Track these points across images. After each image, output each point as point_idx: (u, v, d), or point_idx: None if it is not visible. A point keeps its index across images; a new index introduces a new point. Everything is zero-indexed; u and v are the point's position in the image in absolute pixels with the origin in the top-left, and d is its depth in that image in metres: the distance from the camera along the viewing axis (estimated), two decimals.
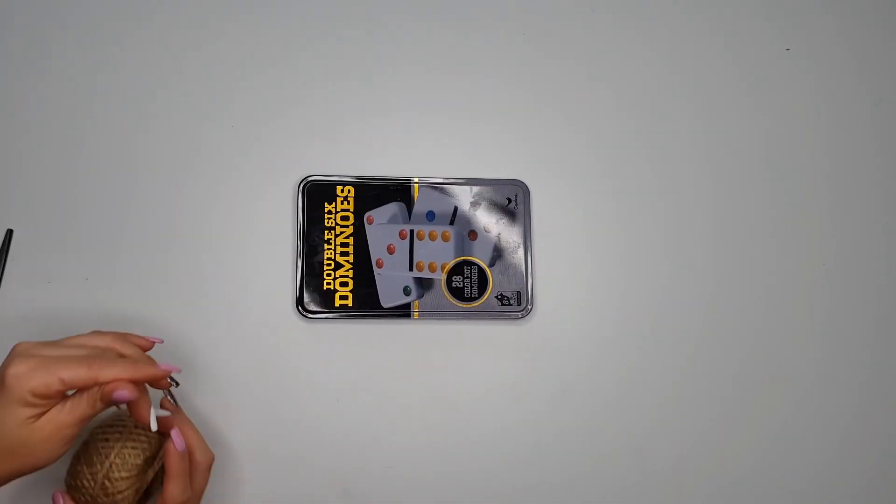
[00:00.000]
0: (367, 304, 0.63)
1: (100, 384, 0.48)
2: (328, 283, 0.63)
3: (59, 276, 0.62)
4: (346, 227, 0.64)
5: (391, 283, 0.64)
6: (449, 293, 0.64)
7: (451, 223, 0.64)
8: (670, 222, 0.67)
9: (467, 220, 0.65)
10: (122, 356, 0.50)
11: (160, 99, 0.65)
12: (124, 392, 0.48)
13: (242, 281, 0.63)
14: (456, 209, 0.64)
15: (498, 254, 0.64)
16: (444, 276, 0.64)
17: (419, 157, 0.66)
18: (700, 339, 0.66)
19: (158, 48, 0.65)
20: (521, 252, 0.64)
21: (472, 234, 0.64)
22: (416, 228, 0.64)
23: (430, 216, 0.64)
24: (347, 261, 0.64)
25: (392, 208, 0.64)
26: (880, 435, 0.66)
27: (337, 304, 0.63)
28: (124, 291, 0.62)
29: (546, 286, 0.65)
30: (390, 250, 0.64)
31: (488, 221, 0.65)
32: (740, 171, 0.67)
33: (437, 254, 0.64)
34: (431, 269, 0.64)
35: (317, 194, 0.64)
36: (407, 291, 0.64)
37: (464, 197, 0.65)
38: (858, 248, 0.67)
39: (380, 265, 0.64)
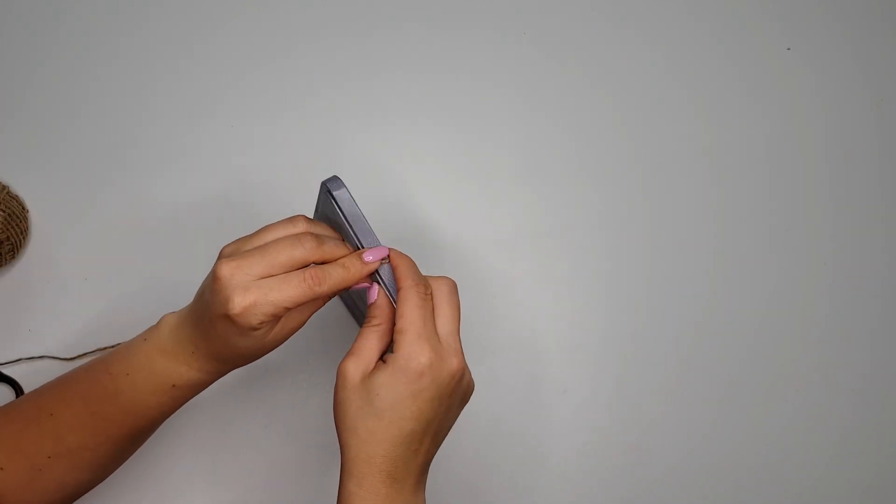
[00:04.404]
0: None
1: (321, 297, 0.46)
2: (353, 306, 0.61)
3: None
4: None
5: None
6: None
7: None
8: (670, 222, 0.67)
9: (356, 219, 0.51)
10: (319, 242, 0.47)
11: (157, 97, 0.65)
12: (372, 293, 0.48)
13: None
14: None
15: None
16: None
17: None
18: (700, 339, 0.66)
19: (156, 47, 0.65)
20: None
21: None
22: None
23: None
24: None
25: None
26: (881, 435, 0.66)
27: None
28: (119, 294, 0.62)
29: (546, 286, 0.65)
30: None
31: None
32: (741, 171, 0.67)
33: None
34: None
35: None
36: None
37: (328, 222, 0.52)
38: (859, 248, 0.67)
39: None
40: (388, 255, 0.48)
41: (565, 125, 0.67)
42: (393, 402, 0.45)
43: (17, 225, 0.60)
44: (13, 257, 0.61)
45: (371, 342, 0.46)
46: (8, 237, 0.59)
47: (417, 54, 0.66)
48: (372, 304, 0.47)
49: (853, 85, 0.69)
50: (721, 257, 0.67)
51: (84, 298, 0.62)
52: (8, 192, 0.61)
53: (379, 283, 0.48)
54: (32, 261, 0.63)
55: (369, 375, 0.45)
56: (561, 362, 0.65)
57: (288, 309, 0.45)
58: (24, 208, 0.62)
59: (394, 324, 0.46)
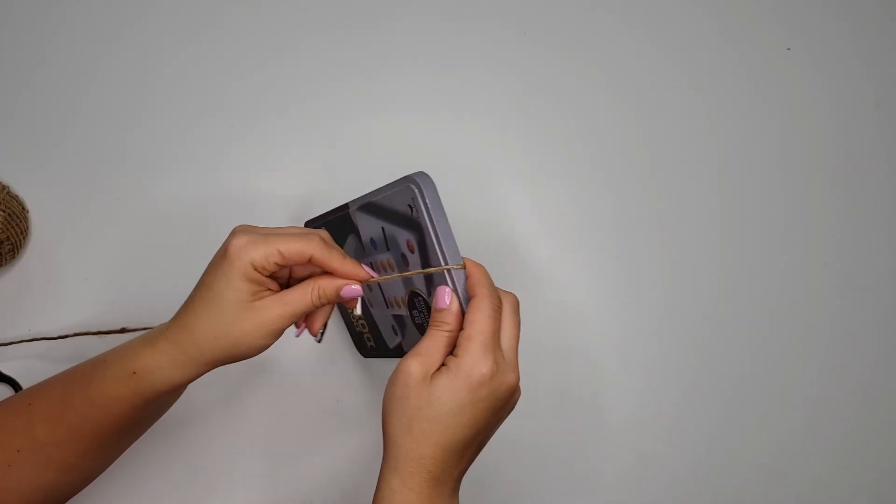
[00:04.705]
0: (380, 345, 0.59)
1: (313, 266, 0.48)
2: (356, 327, 0.62)
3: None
4: None
5: (383, 322, 0.57)
6: (418, 331, 0.54)
7: (388, 248, 0.52)
8: (670, 222, 0.67)
9: (395, 242, 0.51)
10: (328, 245, 0.49)
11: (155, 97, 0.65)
12: (358, 288, 0.49)
13: None
14: (384, 230, 0.52)
15: (429, 279, 0.50)
16: (408, 312, 0.54)
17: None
18: (700, 339, 0.66)
19: (157, 47, 0.65)
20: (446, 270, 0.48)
21: (404, 258, 0.51)
22: (372, 261, 0.54)
23: (373, 244, 0.54)
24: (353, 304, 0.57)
25: (351, 243, 0.56)
26: (883, 436, 0.66)
27: (368, 347, 0.61)
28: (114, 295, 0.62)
29: (549, 290, 0.65)
30: (369, 287, 0.55)
31: (408, 237, 0.50)
32: (741, 171, 0.67)
33: (395, 287, 0.54)
34: (398, 304, 0.55)
35: None
36: (395, 331, 0.57)
37: (384, 213, 0.51)
38: (860, 248, 0.67)
39: (371, 304, 0.58)
40: (464, 263, 0.48)
41: (565, 124, 0.67)
42: (453, 407, 0.46)
43: (17, 225, 0.60)
44: (13, 257, 0.61)
45: (438, 345, 0.47)
46: (8, 237, 0.60)
47: (417, 54, 0.66)
48: (444, 308, 0.48)
49: (853, 85, 0.69)
50: (720, 257, 0.67)
51: (84, 298, 0.62)
52: (8, 192, 0.61)
53: (453, 289, 0.48)
54: (32, 261, 0.63)
55: (432, 377, 0.46)
56: (561, 363, 0.65)
57: (283, 255, 0.46)
58: (24, 208, 0.62)
59: (460, 330, 0.47)
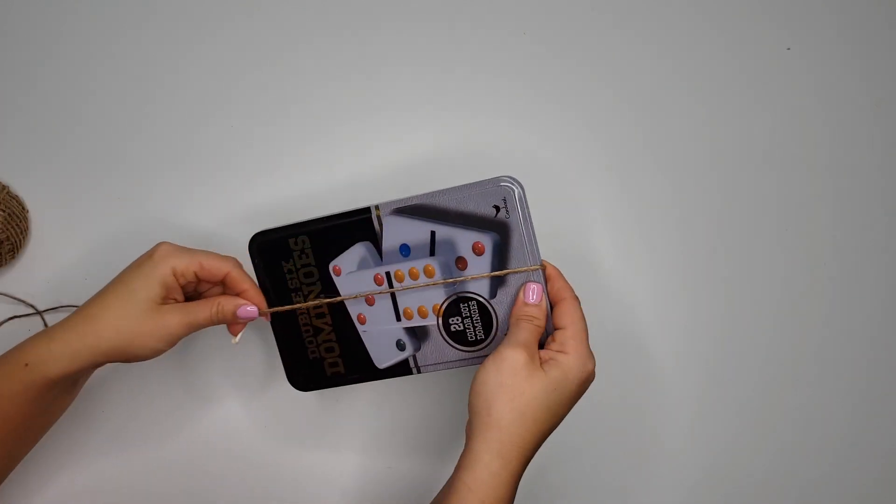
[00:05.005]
0: (360, 367, 0.56)
1: (228, 284, 0.53)
2: (313, 353, 0.56)
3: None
4: (313, 284, 0.55)
5: (380, 339, 0.55)
6: (450, 339, 0.54)
7: (432, 253, 0.52)
8: (670, 222, 0.67)
9: (451, 245, 0.52)
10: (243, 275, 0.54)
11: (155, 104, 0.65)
12: (253, 310, 0.53)
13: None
14: (433, 234, 0.52)
15: (499, 280, 0.52)
16: (439, 321, 0.53)
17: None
18: (699, 339, 0.66)
19: (157, 47, 0.65)
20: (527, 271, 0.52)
21: (461, 261, 0.52)
22: (391, 269, 0.53)
23: (405, 250, 0.53)
24: (326, 323, 0.56)
25: (358, 252, 0.54)
26: (882, 436, 0.66)
27: (329, 374, 0.56)
28: None
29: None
30: (369, 302, 0.54)
31: (478, 240, 0.52)
32: (740, 171, 0.67)
33: (425, 295, 0.53)
34: (422, 314, 0.54)
35: (270, 253, 0.55)
36: (401, 346, 0.55)
37: (441, 215, 0.52)
38: (859, 249, 0.67)
39: (362, 321, 0.55)
40: (542, 266, 0.51)
41: (565, 125, 0.67)
42: (563, 400, 0.49)
43: (17, 225, 0.60)
44: (13, 257, 0.61)
45: (533, 338, 0.50)
46: (8, 237, 0.60)
47: (418, 54, 0.66)
48: (537, 304, 0.51)
49: (853, 85, 0.69)
50: (719, 257, 0.67)
51: (84, 298, 0.62)
52: (8, 192, 0.61)
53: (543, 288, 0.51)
54: (32, 261, 0.63)
55: (544, 369, 0.49)
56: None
57: (203, 267, 0.51)
58: (24, 208, 0.62)
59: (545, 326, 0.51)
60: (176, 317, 0.51)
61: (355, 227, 0.53)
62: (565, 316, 0.51)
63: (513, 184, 0.50)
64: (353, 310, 0.54)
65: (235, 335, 0.54)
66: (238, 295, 0.53)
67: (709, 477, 0.66)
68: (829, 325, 0.67)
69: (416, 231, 0.52)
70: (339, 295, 0.54)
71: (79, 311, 0.51)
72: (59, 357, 0.49)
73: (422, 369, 0.55)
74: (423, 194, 0.52)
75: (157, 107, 0.64)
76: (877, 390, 0.67)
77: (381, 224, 0.53)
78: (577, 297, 0.52)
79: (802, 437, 0.66)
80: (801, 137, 0.68)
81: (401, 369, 0.55)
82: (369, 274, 0.54)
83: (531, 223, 0.51)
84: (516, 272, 0.51)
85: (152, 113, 0.64)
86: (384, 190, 0.63)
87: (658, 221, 0.66)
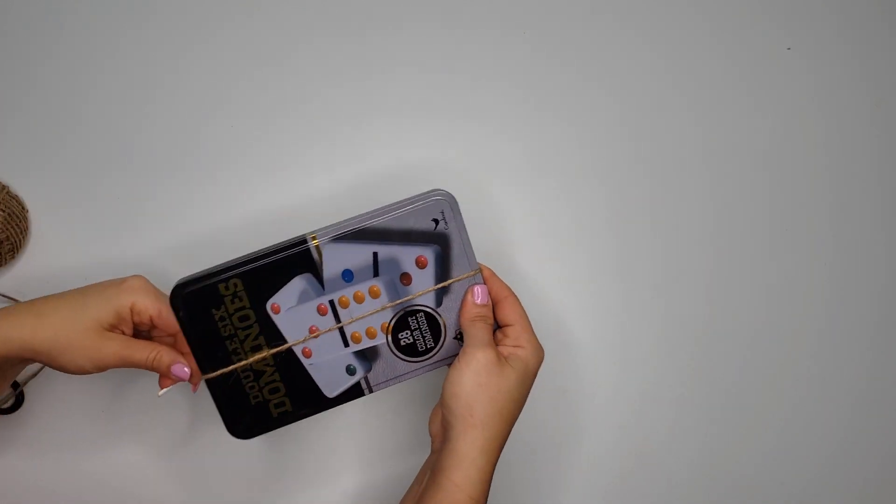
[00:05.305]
0: (309, 401, 0.54)
1: (179, 340, 0.53)
2: (256, 397, 0.54)
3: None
4: (249, 328, 0.53)
5: (328, 369, 0.54)
6: (400, 354, 0.54)
7: (376, 274, 0.52)
8: (670, 222, 0.67)
9: (394, 263, 0.52)
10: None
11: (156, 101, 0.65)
12: (187, 373, 0.52)
13: None
14: (376, 255, 0.52)
15: (443, 290, 0.53)
16: (388, 338, 0.54)
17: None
18: (699, 339, 0.66)
19: (157, 47, 0.65)
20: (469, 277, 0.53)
21: (405, 276, 0.53)
22: (335, 297, 0.53)
23: (348, 276, 0.52)
24: (267, 364, 0.54)
25: (297, 285, 0.52)
26: (881, 436, 0.66)
27: (276, 415, 0.54)
28: None
29: (549, 286, 0.65)
30: (313, 332, 0.53)
31: (420, 254, 0.53)
32: (740, 171, 0.67)
33: (372, 316, 0.53)
34: (371, 335, 0.54)
35: (198, 302, 0.52)
36: (351, 370, 0.54)
37: (382, 236, 0.52)
38: (858, 249, 0.67)
39: (308, 355, 0.54)
40: (481, 269, 0.54)
41: (565, 125, 0.67)
42: (525, 391, 0.52)
43: (17, 225, 0.60)
44: (13, 257, 0.61)
45: (489, 336, 0.53)
46: (8, 237, 0.60)
47: (417, 54, 0.66)
48: (486, 304, 0.53)
49: (853, 85, 0.69)
50: (719, 258, 0.67)
51: None
52: (8, 192, 0.61)
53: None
54: (32, 261, 0.63)
55: (509, 364, 0.51)
56: (563, 363, 0.65)
57: (161, 317, 0.52)
58: (24, 208, 0.62)
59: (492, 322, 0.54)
60: (113, 346, 0.51)
61: (292, 260, 0.52)
62: (511, 313, 0.54)
63: (448, 196, 0.52)
64: (298, 345, 0.53)
65: (162, 388, 0.53)
66: (182, 353, 0.53)
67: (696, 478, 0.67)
68: (829, 325, 0.67)
69: (357, 255, 0.52)
70: (280, 333, 0.53)
71: (29, 303, 0.51)
72: None
73: (374, 388, 0.54)
74: (362, 216, 0.52)
75: (158, 107, 0.64)
76: (877, 391, 0.67)
77: (320, 254, 0.52)
78: (514, 293, 0.54)
79: (802, 438, 0.66)
80: (801, 137, 0.68)
81: (353, 393, 0.54)
82: (311, 306, 0.52)
83: (466, 230, 0.53)
84: (460, 279, 0.53)
85: (152, 113, 0.64)
86: (384, 187, 0.64)
87: (658, 222, 0.66)
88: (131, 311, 0.51)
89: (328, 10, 0.65)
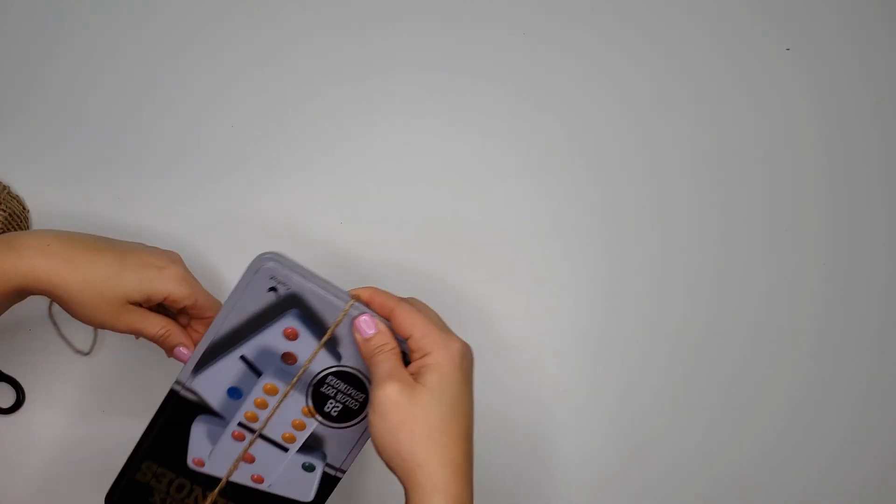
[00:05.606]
0: None
1: (194, 317, 0.53)
2: None
3: None
4: (190, 491, 0.52)
5: (289, 479, 0.52)
6: (339, 424, 0.51)
7: (258, 374, 0.49)
8: (669, 223, 0.67)
9: (267, 351, 0.49)
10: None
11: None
12: (186, 355, 0.52)
13: None
14: (244, 358, 0.49)
15: (332, 342, 0.48)
16: (318, 418, 0.50)
17: None
18: (699, 340, 0.66)
19: (156, 47, 0.65)
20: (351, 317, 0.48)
21: (287, 356, 0.49)
22: (240, 419, 0.50)
23: (234, 393, 0.50)
24: None
25: (200, 430, 0.51)
26: (880, 436, 0.66)
27: None
28: None
29: (547, 286, 0.65)
30: (249, 460, 0.51)
31: (283, 327, 0.48)
32: (740, 172, 0.67)
33: (286, 410, 0.50)
34: (300, 426, 0.50)
35: (132, 501, 0.52)
36: (308, 467, 0.51)
37: (235, 337, 0.49)
38: (858, 249, 0.67)
39: (259, 480, 0.52)
40: (355, 296, 0.48)
41: (564, 125, 0.67)
42: (456, 395, 0.45)
43: (17, 225, 0.60)
44: None
45: (396, 362, 0.46)
46: None
47: (416, 54, 0.66)
48: (375, 333, 0.47)
49: (853, 85, 0.69)
50: (719, 258, 0.67)
51: None
52: (8, 192, 0.61)
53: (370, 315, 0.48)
54: None
55: (421, 382, 0.45)
56: (561, 363, 0.65)
57: (196, 305, 0.52)
58: (24, 208, 0.62)
59: (397, 343, 0.47)
60: (131, 317, 0.51)
61: (178, 414, 0.51)
62: (404, 322, 0.47)
63: (267, 256, 0.47)
64: (242, 478, 0.51)
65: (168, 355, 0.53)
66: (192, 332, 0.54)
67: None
68: (829, 325, 0.67)
69: (228, 370, 0.50)
70: (218, 478, 0.52)
71: (65, 244, 0.50)
72: (22, 274, 0.48)
73: (343, 467, 0.51)
74: (207, 334, 0.49)
75: (158, 107, 0.64)
76: (877, 391, 0.67)
77: (194, 392, 0.50)
78: (403, 299, 0.48)
79: (802, 438, 0.66)
80: (801, 137, 0.68)
81: (327, 483, 0.52)
82: (227, 438, 0.51)
83: (311, 272, 0.47)
84: (337, 324, 0.47)
85: (152, 113, 0.64)
86: (384, 187, 0.64)
87: (658, 221, 0.66)
88: (166, 299, 0.51)
89: (328, 10, 0.65)
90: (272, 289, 0.47)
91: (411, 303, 0.48)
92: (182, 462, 0.51)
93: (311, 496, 0.52)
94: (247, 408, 0.50)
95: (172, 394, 0.51)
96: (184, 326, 0.54)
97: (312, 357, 0.48)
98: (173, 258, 0.53)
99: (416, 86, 0.66)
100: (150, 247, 0.54)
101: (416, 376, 0.46)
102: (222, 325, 0.48)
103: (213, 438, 0.51)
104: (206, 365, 0.50)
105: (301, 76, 0.65)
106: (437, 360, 0.46)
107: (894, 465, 0.66)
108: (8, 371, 0.63)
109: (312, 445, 0.51)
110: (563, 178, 0.66)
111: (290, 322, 0.48)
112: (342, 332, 0.48)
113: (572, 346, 0.65)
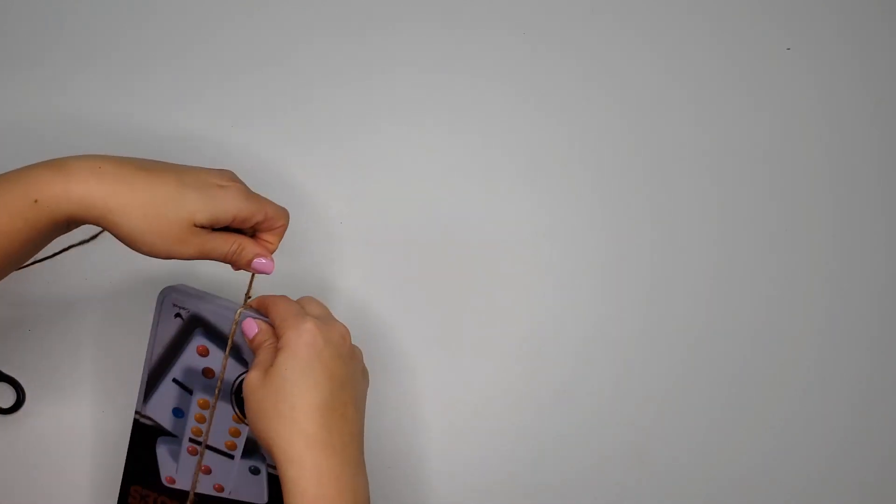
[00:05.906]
0: None
1: (263, 229, 0.51)
2: None
3: None
4: None
5: (242, 485, 0.56)
6: None
7: (190, 392, 0.55)
8: (669, 223, 0.67)
9: (190, 371, 0.54)
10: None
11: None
12: (269, 265, 0.51)
13: None
14: (176, 380, 0.55)
15: (236, 350, 0.53)
16: (247, 422, 0.53)
17: None
18: (699, 340, 0.66)
19: (156, 47, 0.65)
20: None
21: (207, 371, 0.54)
22: (187, 434, 0.55)
23: (178, 413, 0.55)
24: None
25: (163, 452, 0.56)
26: (880, 436, 0.66)
27: None
28: None
29: (545, 287, 0.65)
30: (207, 471, 0.56)
31: (195, 346, 0.54)
32: (740, 172, 0.67)
33: (220, 421, 0.55)
34: (235, 434, 0.55)
35: None
36: (255, 471, 0.55)
37: (164, 364, 0.54)
38: (859, 249, 0.67)
39: (220, 489, 0.56)
40: (248, 305, 0.52)
41: (564, 125, 0.67)
42: (302, 369, 0.46)
43: None
44: None
45: (267, 354, 0.49)
46: None
47: (416, 54, 0.66)
48: (256, 332, 0.50)
49: (853, 85, 0.69)
50: (719, 258, 0.67)
51: (84, 298, 0.62)
52: None
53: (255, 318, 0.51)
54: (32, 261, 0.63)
55: (269, 370, 0.47)
56: (561, 363, 0.65)
57: (266, 215, 0.49)
58: None
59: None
60: (198, 241, 0.47)
61: (143, 440, 0.56)
62: (270, 314, 0.50)
63: (168, 291, 0.53)
64: (207, 489, 0.56)
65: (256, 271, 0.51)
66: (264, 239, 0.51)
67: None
68: (829, 325, 0.67)
69: (167, 394, 0.55)
70: (186, 492, 0.56)
71: (117, 165, 0.46)
72: (75, 200, 0.44)
73: None
74: (143, 368, 0.54)
75: (157, 107, 0.64)
76: (877, 391, 0.67)
77: (149, 418, 0.56)
78: (275, 296, 0.51)
79: (802, 438, 0.66)
80: (800, 137, 0.68)
81: (277, 484, 0.52)
82: (184, 454, 0.56)
83: (207, 293, 0.53)
84: (233, 334, 0.52)
85: (153, 112, 0.64)
86: (384, 188, 0.64)
87: (657, 221, 0.66)
88: (233, 217, 0.48)
89: (328, 10, 0.65)
90: (177, 315, 0.53)
91: (287, 297, 0.51)
92: (158, 481, 0.57)
93: (265, 498, 0.56)
94: (191, 424, 0.55)
95: (135, 422, 0.56)
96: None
97: (224, 368, 0.53)
98: (232, 176, 0.50)
99: (416, 86, 0.66)
100: (205, 168, 0.50)
101: (267, 365, 0.48)
102: (152, 355, 0.54)
103: (175, 456, 0.56)
104: (151, 392, 0.55)
105: (301, 76, 0.65)
106: (286, 340, 0.47)
107: (894, 465, 0.66)
108: (8, 371, 0.63)
109: (252, 449, 0.55)
110: (562, 177, 0.66)
111: (199, 341, 0.53)
112: (241, 339, 0.52)
113: (572, 347, 0.65)
